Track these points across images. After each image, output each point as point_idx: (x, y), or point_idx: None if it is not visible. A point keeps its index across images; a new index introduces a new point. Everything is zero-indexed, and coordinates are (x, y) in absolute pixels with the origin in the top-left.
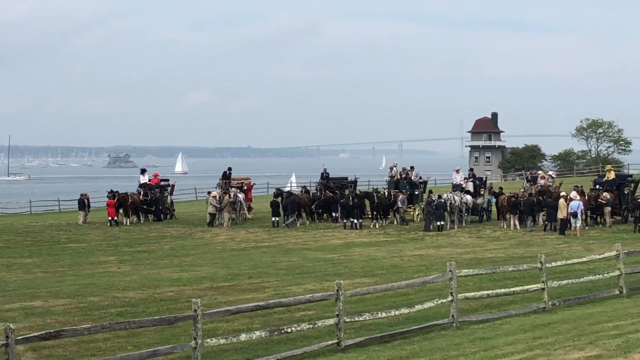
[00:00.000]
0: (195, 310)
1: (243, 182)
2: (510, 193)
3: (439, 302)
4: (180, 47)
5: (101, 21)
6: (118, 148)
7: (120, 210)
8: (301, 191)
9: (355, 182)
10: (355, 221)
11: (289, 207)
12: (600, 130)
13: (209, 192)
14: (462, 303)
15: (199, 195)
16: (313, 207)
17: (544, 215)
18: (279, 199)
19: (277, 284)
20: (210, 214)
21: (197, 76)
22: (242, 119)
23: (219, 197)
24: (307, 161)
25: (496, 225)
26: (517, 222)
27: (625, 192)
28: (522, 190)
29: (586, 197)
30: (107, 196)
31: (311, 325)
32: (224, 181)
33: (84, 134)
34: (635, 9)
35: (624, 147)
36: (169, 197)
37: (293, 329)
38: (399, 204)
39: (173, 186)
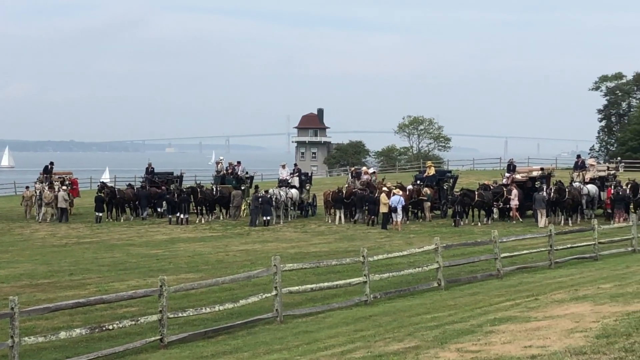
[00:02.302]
0: (12, 308)
1: (65, 177)
2: (338, 188)
3: (264, 296)
4: (1, 37)
5: None
6: None
7: None
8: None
9: (181, 177)
10: (181, 216)
11: (142, 200)
12: (422, 127)
13: (27, 187)
14: (287, 297)
15: (19, 190)
16: (137, 202)
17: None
18: (103, 194)
19: (100, 280)
20: (60, 209)
21: (17, 67)
22: (65, 112)
23: (40, 192)
24: (132, 156)
25: (321, 220)
26: (342, 217)
27: (445, 188)
28: (347, 185)
29: (407, 192)
30: None
31: (134, 322)
32: (45, 175)
33: None
34: (455, 11)
35: (444, 144)
36: None
37: (115, 326)
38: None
39: None
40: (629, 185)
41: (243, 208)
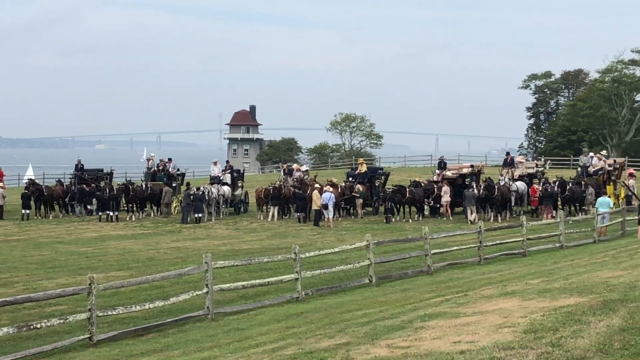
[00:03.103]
0: None
1: None
2: (271, 184)
3: (195, 294)
4: None
5: None
6: None
7: None
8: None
9: (110, 174)
10: (111, 214)
11: (78, 197)
12: (354, 124)
13: None
14: (218, 294)
15: None
16: (67, 199)
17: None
18: (30, 191)
19: (28, 278)
20: None
21: None
22: None
23: None
24: (61, 152)
25: (253, 217)
26: (275, 214)
27: (377, 185)
28: (279, 182)
29: (339, 190)
30: None
31: (62, 321)
32: None
33: None
34: (388, 9)
35: (375, 141)
36: None
37: (43, 324)
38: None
39: None
40: (557, 183)
41: (174, 205)
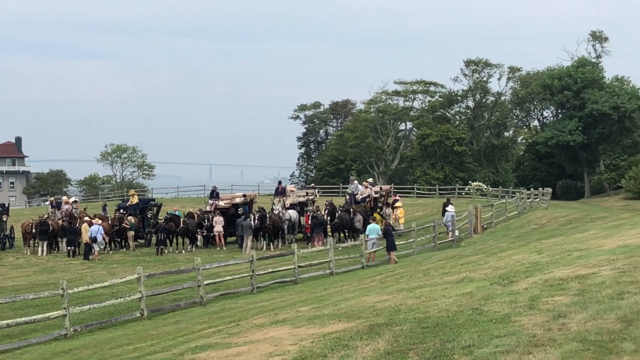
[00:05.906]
0: None
1: None
2: (40, 218)
3: None
4: None
5: None
6: None
7: None
8: None
9: None
10: None
11: None
12: (125, 155)
13: None
14: None
15: None
16: None
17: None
18: None
19: None
20: None
21: None
22: None
23: None
24: None
25: (19, 252)
26: (45, 249)
27: (149, 216)
28: (46, 215)
29: (109, 221)
30: None
31: None
32: None
33: None
34: (163, 39)
35: (148, 172)
36: None
37: None
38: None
39: None
40: (327, 210)
41: None
